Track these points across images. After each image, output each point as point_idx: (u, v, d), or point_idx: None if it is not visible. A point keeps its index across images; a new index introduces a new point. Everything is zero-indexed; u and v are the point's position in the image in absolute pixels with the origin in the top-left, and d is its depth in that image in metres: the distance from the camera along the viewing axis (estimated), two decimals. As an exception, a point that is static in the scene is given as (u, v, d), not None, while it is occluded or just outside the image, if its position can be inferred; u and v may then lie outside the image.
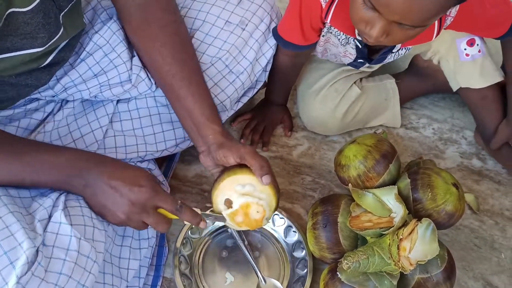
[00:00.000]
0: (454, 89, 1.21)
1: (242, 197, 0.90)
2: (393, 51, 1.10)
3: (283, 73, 1.21)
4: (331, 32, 1.09)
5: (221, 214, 0.93)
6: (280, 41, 1.11)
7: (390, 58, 1.15)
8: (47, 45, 0.86)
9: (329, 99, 1.23)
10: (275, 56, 1.16)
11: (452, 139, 1.32)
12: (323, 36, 1.11)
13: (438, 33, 1.05)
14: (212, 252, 1.09)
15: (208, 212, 0.94)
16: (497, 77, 1.16)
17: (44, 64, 0.92)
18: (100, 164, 0.86)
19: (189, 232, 1.08)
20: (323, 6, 1.02)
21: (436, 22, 1.02)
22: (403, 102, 1.32)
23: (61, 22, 0.87)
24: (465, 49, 1.12)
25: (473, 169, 1.27)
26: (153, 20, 1.00)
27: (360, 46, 1.08)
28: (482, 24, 1.08)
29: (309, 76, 1.27)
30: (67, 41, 0.94)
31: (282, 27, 1.10)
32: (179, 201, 0.87)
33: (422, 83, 1.28)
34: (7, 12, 0.76)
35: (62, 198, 0.86)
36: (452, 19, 1.03)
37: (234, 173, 0.92)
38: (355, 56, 1.13)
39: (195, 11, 1.10)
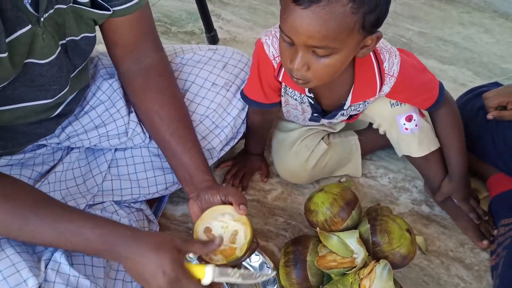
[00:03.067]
0: (400, 155, 1.22)
1: (220, 222, 0.91)
2: (344, 108, 1.10)
3: (256, 129, 1.22)
4: (287, 94, 1.11)
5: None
6: (247, 100, 1.13)
7: (342, 116, 1.15)
8: (56, 97, 0.88)
9: (300, 154, 1.24)
10: (247, 114, 1.18)
11: (405, 188, 1.33)
12: (282, 96, 1.13)
13: (380, 90, 1.05)
14: None
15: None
16: (433, 147, 1.17)
17: (53, 115, 0.94)
18: (128, 244, 0.81)
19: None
20: (275, 66, 1.04)
21: (378, 82, 1.04)
22: (364, 154, 1.34)
23: (68, 80, 0.89)
24: (404, 123, 1.13)
25: (422, 214, 1.28)
26: (152, 84, 1.01)
27: (312, 102, 1.09)
28: (418, 90, 1.08)
29: (280, 132, 1.29)
30: (74, 94, 0.96)
31: (247, 87, 1.12)
32: None
33: (380, 139, 1.29)
34: (26, 61, 0.78)
35: None
36: (394, 80, 1.04)
37: (216, 206, 0.94)
38: (311, 112, 1.14)
39: (185, 73, 1.12)
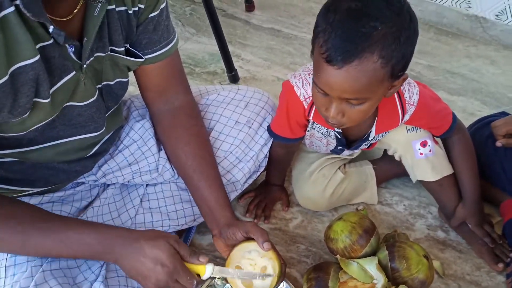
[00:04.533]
0: (414, 181, 1.23)
1: (248, 260, 0.92)
2: (369, 139, 1.13)
3: (278, 161, 1.25)
4: (314, 128, 1.14)
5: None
6: (273, 136, 1.16)
7: (366, 145, 1.19)
8: (95, 134, 0.91)
9: (318, 183, 1.25)
10: (271, 147, 1.20)
11: (420, 214, 1.33)
12: (308, 131, 1.16)
13: (402, 119, 1.08)
14: None
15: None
16: (446, 172, 1.17)
17: (91, 153, 0.97)
18: (127, 241, 0.83)
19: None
20: (306, 107, 1.08)
21: (400, 113, 1.07)
22: (379, 183, 1.35)
23: (105, 120, 0.93)
24: (419, 149, 1.15)
25: (438, 239, 1.27)
26: (179, 124, 1.05)
27: (339, 137, 1.13)
28: (434, 117, 1.11)
29: (300, 163, 1.31)
30: (110, 135, 1.01)
31: (274, 124, 1.15)
32: (195, 282, 0.85)
33: (394, 168, 1.31)
34: (65, 105, 0.81)
35: (103, 272, 0.89)
36: (414, 109, 1.06)
37: (241, 244, 0.95)
38: (335, 144, 1.17)
39: (210, 113, 1.15)
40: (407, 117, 1.08)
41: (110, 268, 0.91)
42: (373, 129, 1.09)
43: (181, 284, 0.84)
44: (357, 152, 1.29)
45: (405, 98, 1.05)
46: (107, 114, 0.95)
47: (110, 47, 0.87)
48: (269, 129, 1.17)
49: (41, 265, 0.84)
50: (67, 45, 0.76)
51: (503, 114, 1.33)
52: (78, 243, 0.82)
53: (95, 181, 1.09)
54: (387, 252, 1.03)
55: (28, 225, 0.80)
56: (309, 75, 1.06)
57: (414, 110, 1.07)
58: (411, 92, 1.05)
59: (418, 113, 1.08)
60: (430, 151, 1.15)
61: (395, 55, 0.83)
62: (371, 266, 1.01)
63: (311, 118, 1.10)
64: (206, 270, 0.86)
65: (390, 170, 1.35)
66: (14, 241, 0.79)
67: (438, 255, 1.24)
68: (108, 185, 1.11)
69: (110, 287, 0.88)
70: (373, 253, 1.06)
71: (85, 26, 0.78)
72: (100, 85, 0.89)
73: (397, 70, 0.87)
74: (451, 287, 1.18)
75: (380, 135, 1.14)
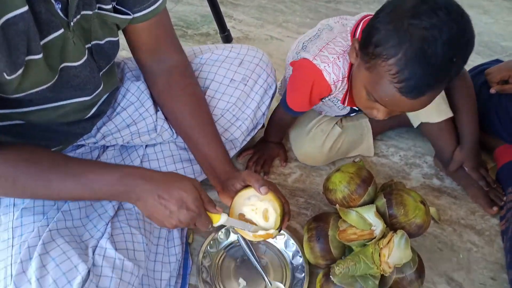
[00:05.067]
0: (415, 125, 1.24)
1: (249, 206, 0.94)
2: None
3: (282, 124, 1.26)
4: (331, 100, 1.14)
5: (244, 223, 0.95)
6: (290, 111, 1.16)
7: None
8: (92, 96, 0.91)
9: (317, 138, 1.26)
10: (276, 112, 1.20)
11: (415, 164, 1.34)
12: (323, 100, 1.15)
13: None
14: (227, 263, 1.11)
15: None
16: (450, 113, 1.20)
17: (89, 115, 0.96)
18: (151, 181, 0.83)
19: (208, 247, 1.11)
20: (333, 89, 1.07)
21: None
22: (375, 135, 1.36)
23: (101, 79, 0.92)
24: None
25: (433, 187, 1.29)
26: (175, 84, 1.04)
27: (357, 109, 1.15)
28: None
29: (300, 121, 1.31)
30: (105, 96, 1.00)
31: (292, 101, 1.15)
32: (210, 226, 0.88)
33: (389, 120, 1.28)
34: (61, 66, 0.80)
35: (109, 229, 0.89)
36: None
37: (240, 192, 0.96)
38: (348, 112, 1.18)
39: (205, 72, 1.14)
40: None
41: (115, 226, 0.92)
42: None
43: (197, 226, 0.86)
44: None
45: None
46: (100, 74, 0.94)
47: (98, 5, 0.85)
48: (284, 103, 1.16)
49: (47, 225, 0.85)
50: (53, 1, 0.74)
51: (497, 61, 1.32)
52: (100, 184, 0.81)
53: (94, 143, 1.08)
54: (384, 200, 1.04)
55: (49, 170, 0.80)
56: (338, 58, 1.03)
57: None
58: None
59: None
60: None
61: (454, 71, 0.87)
62: (369, 214, 1.01)
63: (345, 104, 1.11)
64: (221, 219, 0.88)
65: (385, 123, 1.34)
66: (38, 186, 0.79)
67: (434, 202, 1.26)
68: (108, 147, 1.11)
69: (116, 243, 0.89)
70: (371, 202, 1.06)
71: None
72: (89, 45, 0.87)
73: (456, 74, 0.89)
74: (446, 232, 1.21)
75: None
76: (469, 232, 1.20)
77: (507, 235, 1.13)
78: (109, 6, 0.88)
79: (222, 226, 1.06)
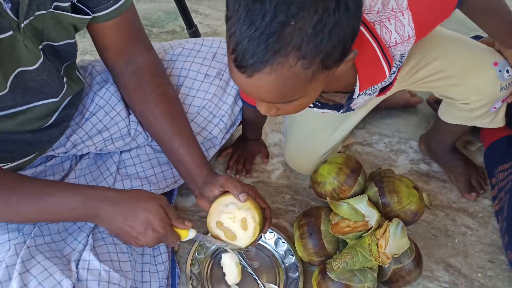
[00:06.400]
0: None
1: (227, 214, 0.91)
2: (354, 97, 0.93)
3: (251, 121, 1.21)
4: None
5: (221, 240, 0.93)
6: (244, 103, 1.11)
7: (359, 102, 0.99)
8: (53, 100, 0.86)
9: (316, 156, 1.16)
10: (242, 107, 1.15)
11: (401, 150, 1.33)
12: None
13: (389, 70, 0.88)
14: (217, 268, 1.08)
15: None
16: None
17: (52, 121, 0.91)
18: (115, 203, 0.82)
19: (196, 253, 1.07)
20: None
21: (383, 62, 0.86)
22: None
23: (64, 80, 0.87)
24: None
25: (421, 172, 1.28)
26: (145, 84, 0.99)
27: (319, 104, 1.00)
28: (440, 9, 0.88)
29: (296, 127, 1.20)
30: (67, 100, 0.93)
31: (241, 92, 1.09)
32: (178, 243, 0.88)
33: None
34: (17, 71, 0.76)
35: (91, 241, 0.86)
36: (414, 39, 0.85)
37: (218, 199, 0.93)
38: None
39: (177, 69, 1.09)
40: (406, 47, 0.87)
41: (96, 237, 0.89)
42: (357, 87, 0.91)
43: (166, 244, 0.87)
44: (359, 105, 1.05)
45: (384, 43, 0.85)
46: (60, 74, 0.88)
47: (54, 3, 0.79)
48: (239, 95, 1.11)
49: (25, 242, 0.82)
50: (2, 0, 0.68)
51: (477, 37, 1.31)
52: (61, 208, 0.80)
53: (65, 152, 1.03)
54: (376, 189, 1.02)
55: (11, 193, 0.77)
56: None
57: (415, 38, 0.85)
58: (398, 27, 0.84)
59: (422, 31, 0.86)
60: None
61: (323, 47, 0.66)
62: (361, 205, 0.99)
63: None
64: (189, 235, 0.88)
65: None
66: (3, 210, 0.77)
67: (424, 187, 1.25)
68: (81, 156, 1.06)
69: (99, 255, 0.85)
70: (361, 192, 1.04)
71: None
72: (41, 46, 0.81)
73: (332, 61, 0.69)
74: (439, 217, 1.19)
75: (373, 88, 0.95)
76: (462, 215, 1.19)
77: (502, 215, 1.12)
78: (67, 4, 0.82)
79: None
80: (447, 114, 1.13)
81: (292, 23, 0.63)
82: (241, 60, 0.67)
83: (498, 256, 1.12)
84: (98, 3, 0.87)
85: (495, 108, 1.06)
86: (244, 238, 0.92)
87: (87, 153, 1.06)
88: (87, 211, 0.80)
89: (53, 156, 1.01)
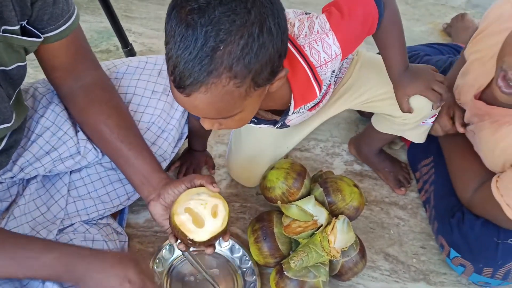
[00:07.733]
0: None
1: (198, 200, 0.90)
2: (289, 114, 1.00)
3: (197, 131, 1.23)
4: None
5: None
6: (191, 115, 1.11)
7: (295, 119, 1.06)
8: (9, 124, 0.85)
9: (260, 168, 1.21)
10: (188, 120, 1.17)
11: (336, 153, 1.42)
12: None
13: (320, 88, 0.96)
14: (176, 281, 1.08)
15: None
16: None
17: (0, 148, 0.90)
18: (89, 261, 0.82)
19: (155, 267, 1.07)
20: None
21: (313, 81, 0.94)
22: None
23: (12, 109, 0.86)
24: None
25: (355, 172, 1.38)
26: (96, 99, 0.99)
27: (255, 120, 1.06)
28: (362, 29, 0.92)
29: (239, 141, 1.26)
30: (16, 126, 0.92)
31: None
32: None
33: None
34: None
35: None
36: (340, 56, 0.93)
37: (188, 191, 0.93)
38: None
39: (124, 87, 1.10)
40: (335, 65, 0.94)
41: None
42: (292, 105, 0.97)
43: None
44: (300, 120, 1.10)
45: (312, 61, 0.92)
46: (11, 102, 0.87)
47: (3, 27, 0.79)
48: None
49: None
50: None
51: (430, 47, 1.44)
52: (36, 265, 0.79)
53: (12, 177, 1.01)
54: (321, 189, 1.09)
55: None
56: None
57: (341, 55, 0.92)
58: (325, 47, 0.91)
59: (348, 48, 0.93)
60: None
61: (252, 67, 0.73)
62: (309, 205, 1.05)
63: None
64: None
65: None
66: None
67: (359, 186, 1.34)
68: (28, 180, 1.04)
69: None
70: (308, 193, 1.11)
71: None
72: None
73: (262, 79, 0.77)
74: (375, 211, 1.30)
75: (306, 106, 1.01)
76: (394, 208, 1.31)
77: (429, 204, 1.25)
78: (16, 27, 0.82)
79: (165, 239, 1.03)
80: (380, 124, 1.23)
81: (222, 48, 0.70)
82: (179, 81, 0.73)
83: (428, 242, 1.25)
84: (48, 24, 0.87)
85: (423, 122, 1.17)
86: (212, 226, 0.90)
87: (35, 177, 1.03)
88: (63, 268, 0.80)
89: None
